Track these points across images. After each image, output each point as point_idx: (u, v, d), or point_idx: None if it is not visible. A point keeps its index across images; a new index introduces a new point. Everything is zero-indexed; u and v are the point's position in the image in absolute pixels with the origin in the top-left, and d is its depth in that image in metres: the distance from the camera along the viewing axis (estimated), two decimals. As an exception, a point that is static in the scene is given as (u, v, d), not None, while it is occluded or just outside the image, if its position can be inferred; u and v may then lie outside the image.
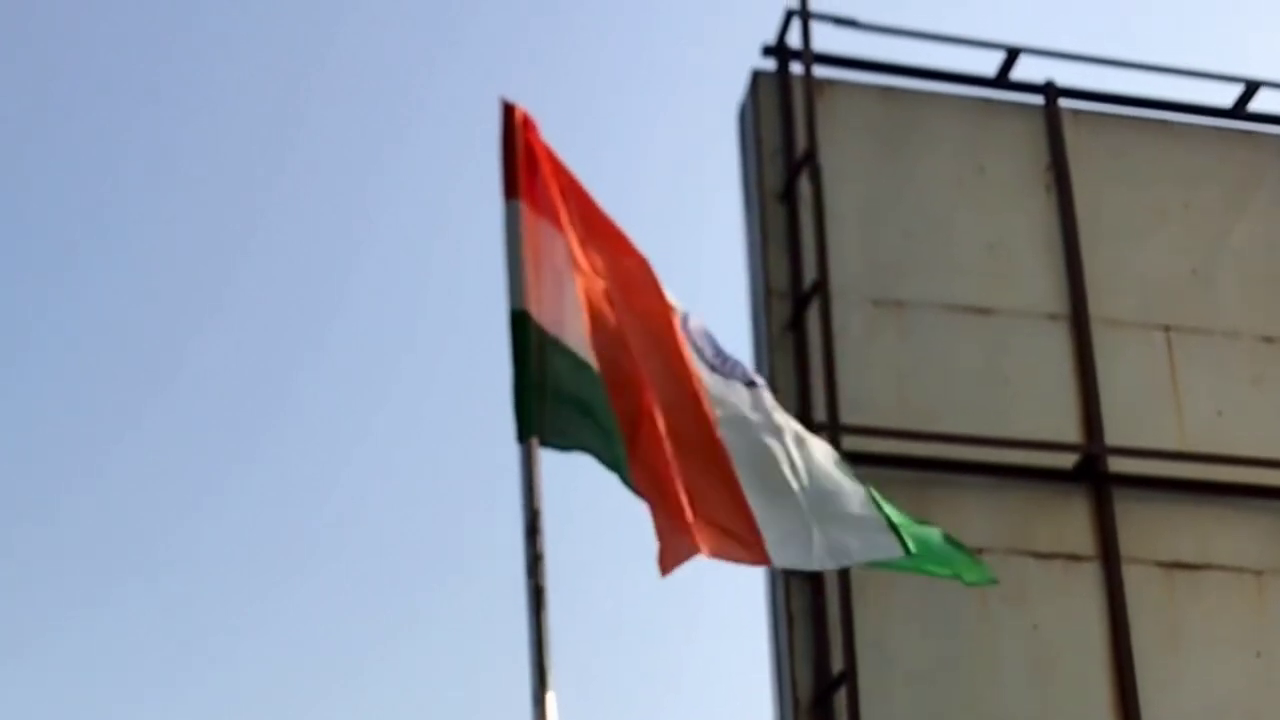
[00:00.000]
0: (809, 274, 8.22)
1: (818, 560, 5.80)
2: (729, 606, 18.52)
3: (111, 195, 20.34)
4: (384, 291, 20.20)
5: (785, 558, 5.69)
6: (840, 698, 7.58)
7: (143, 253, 20.56)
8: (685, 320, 5.86)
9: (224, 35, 19.47)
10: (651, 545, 5.51)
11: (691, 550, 5.45)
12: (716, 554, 5.49)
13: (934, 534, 6.07)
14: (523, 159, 5.78)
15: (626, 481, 5.54)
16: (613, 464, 5.54)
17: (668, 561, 5.44)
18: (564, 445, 5.53)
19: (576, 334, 5.65)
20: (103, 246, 20.55)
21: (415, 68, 19.81)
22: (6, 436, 20.01)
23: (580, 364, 5.59)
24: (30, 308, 20.31)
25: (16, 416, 20.19)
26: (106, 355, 20.58)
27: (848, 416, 7.95)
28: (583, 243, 5.74)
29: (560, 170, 5.81)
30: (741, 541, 5.56)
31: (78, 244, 20.41)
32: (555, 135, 5.89)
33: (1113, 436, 8.30)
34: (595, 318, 5.67)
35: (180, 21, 19.61)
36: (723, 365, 5.89)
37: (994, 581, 6.37)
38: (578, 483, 6.20)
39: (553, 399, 5.55)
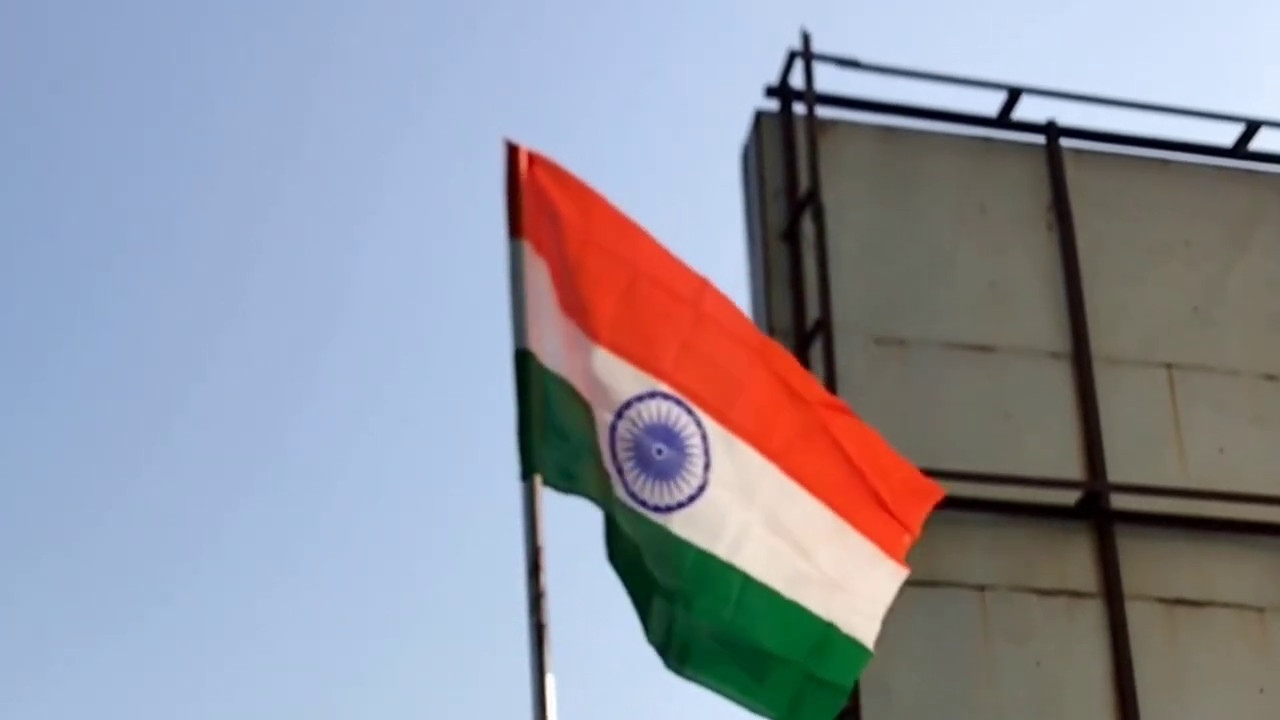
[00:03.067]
0: (812, 312, 8.26)
1: None
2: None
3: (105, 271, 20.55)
4: (389, 319, 20.30)
5: None
6: (843, 735, 7.60)
7: (139, 288, 20.68)
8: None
9: (221, 49, 19.61)
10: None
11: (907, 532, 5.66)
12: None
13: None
14: (526, 198, 5.82)
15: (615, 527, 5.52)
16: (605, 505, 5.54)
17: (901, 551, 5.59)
18: (566, 488, 5.55)
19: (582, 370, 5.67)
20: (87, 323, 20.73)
21: (415, 103, 19.92)
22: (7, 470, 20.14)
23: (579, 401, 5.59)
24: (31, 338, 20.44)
25: (16, 445, 20.29)
26: (98, 408, 20.69)
27: (850, 454, 7.97)
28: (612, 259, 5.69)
29: (580, 195, 5.78)
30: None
31: (59, 308, 20.58)
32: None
33: (1115, 473, 8.33)
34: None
35: (179, 36, 19.75)
36: None
37: None
38: (581, 518, 6.23)
39: (557, 439, 5.56)
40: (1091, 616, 8.09)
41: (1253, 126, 9.17)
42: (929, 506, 5.77)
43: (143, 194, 20.28)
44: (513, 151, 5.84)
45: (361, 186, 19.99)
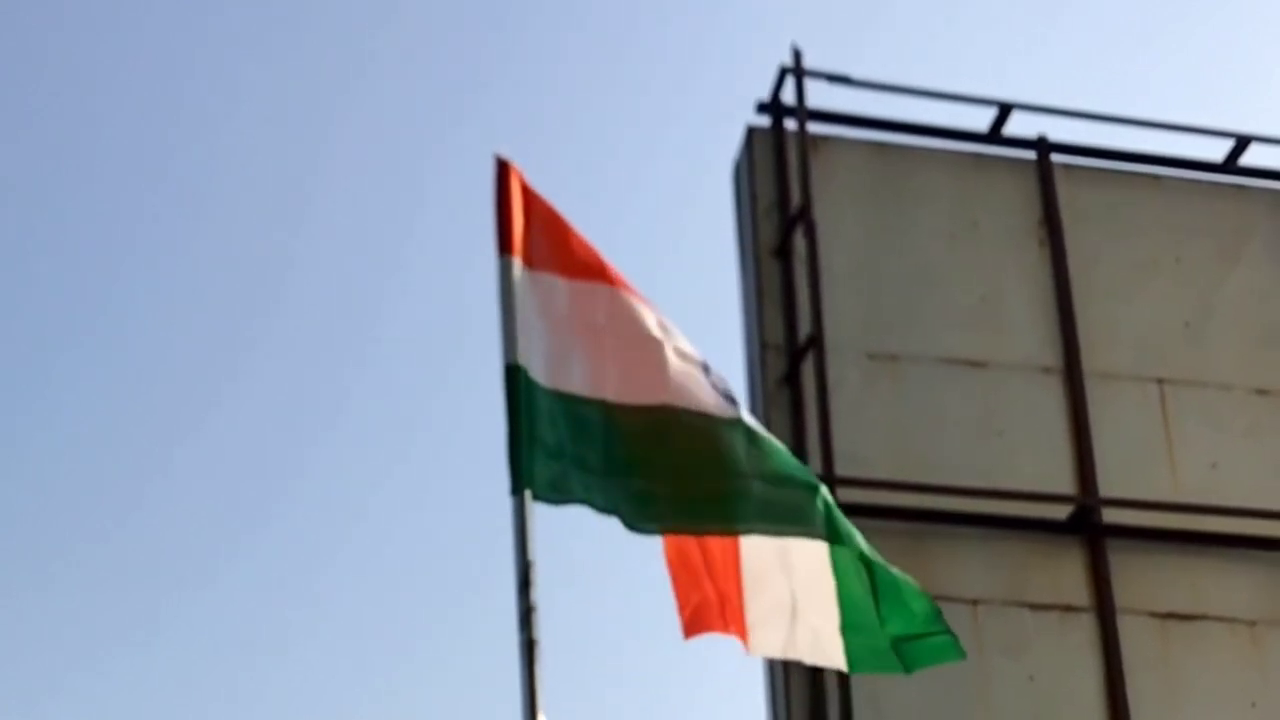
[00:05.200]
0: (804, 328, 8.28)
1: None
2: (725, 660, 18.52)
3: (108, 283, 20.61)
4: (411, 346, 20.40)
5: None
6: (836, 749, 7.60)
7: (153, 331, 20.75)
8: (706, 369, 5.92)
9: (257, 64, 19.68)
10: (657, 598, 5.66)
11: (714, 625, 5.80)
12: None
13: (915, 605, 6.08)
14: (517, 214, 5.83)
15: (636, 526, 5.60)
16: (614, 509, 5.58)
17: (694, 627, 5.77)
18: (557, 500, 5.56)
19: (585, 380, 5.70)
20: (97, 348, 20.77)
21: (420, 137, 20.01)
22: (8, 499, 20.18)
23: (589, 408, 5.62)
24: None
25: (20, 477, 20.32)
26: (107, 440, 20.73)
27: (843, 469, 7.99)
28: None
29: (556, 218, 5.86)
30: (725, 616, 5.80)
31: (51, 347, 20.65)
32: (553, 189, 5.95)
33: (1107, 488, 8.34)
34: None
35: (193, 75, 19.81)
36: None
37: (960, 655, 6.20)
38: (576, 535, 6.26)
39: (546, 453, 5.58)
40: (1084, 631, 8.10)
41: (1243, 142, 9.20)
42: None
43: (169, 202, 20.39)
44: (503, 167, 5.85)
45: (394, 206, 20.11)
